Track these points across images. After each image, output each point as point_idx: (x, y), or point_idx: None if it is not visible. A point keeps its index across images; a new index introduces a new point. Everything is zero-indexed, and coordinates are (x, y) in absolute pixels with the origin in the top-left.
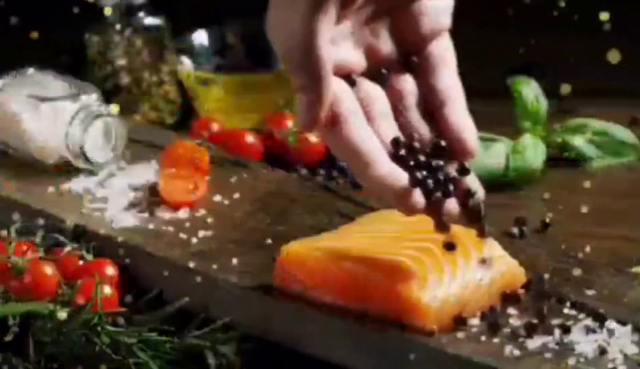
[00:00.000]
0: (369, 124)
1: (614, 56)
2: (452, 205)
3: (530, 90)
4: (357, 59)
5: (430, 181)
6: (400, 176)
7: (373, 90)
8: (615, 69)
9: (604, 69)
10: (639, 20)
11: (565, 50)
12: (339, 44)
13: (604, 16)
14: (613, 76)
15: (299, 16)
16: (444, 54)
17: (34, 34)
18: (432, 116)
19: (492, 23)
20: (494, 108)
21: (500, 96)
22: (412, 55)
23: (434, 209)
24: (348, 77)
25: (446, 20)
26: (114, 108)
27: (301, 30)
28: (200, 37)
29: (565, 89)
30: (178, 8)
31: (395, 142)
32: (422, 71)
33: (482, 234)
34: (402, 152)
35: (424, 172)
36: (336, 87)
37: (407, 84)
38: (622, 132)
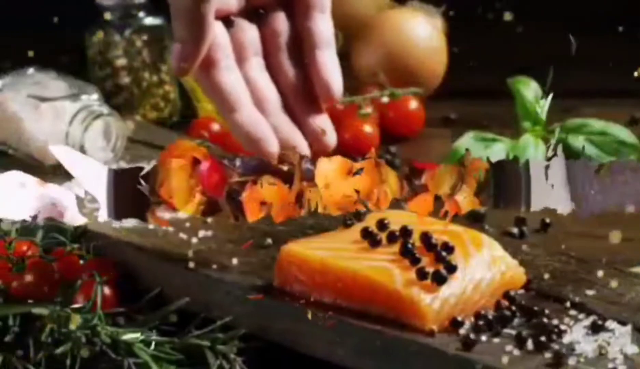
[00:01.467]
0: (240, 65)
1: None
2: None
3: (530, 91)
4: (236, 1)
5: None
6: (260, 123)
7: (248, 31)
8: (615, 69)
9: (604, 69)
10: (638, 20)
11: (565, 51)
12: None
13: (603, 17)
14: (613, 76)
15: None
16: None
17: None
18: (303, 59)
19: (493, 23)
20: (494, 108)
21: (500, 96)
22: None
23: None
24: (226, 18)
25: None
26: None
27: None
28: None
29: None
30: None
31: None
32: (297, 13)
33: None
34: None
35: None
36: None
37: (281, 25)
38: (622, 132)
